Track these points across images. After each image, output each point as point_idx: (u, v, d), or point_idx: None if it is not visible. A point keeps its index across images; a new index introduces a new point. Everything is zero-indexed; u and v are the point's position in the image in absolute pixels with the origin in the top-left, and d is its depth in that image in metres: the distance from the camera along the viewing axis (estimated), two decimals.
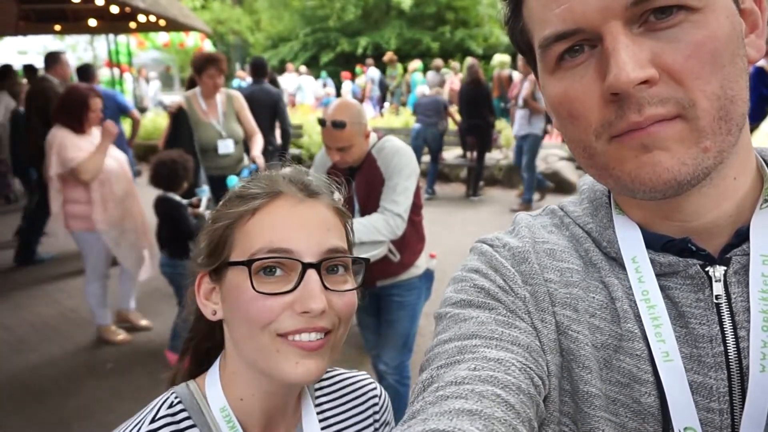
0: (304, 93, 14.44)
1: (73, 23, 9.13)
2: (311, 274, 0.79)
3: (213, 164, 4.23)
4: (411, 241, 2.74)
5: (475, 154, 8.49)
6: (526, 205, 7.64)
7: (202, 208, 3.63)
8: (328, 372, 1.00)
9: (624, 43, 0.52)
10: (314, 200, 0.87)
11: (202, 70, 4.11)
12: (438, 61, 13.10)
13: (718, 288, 0.60)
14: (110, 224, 3.91)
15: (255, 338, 0.79)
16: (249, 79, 6.38)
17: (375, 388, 1.02)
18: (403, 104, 14.11)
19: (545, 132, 7.62)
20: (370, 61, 16.40)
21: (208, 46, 13.50)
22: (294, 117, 10.17)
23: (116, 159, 4.01)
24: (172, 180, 3.46)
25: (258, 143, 4.37)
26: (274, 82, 6.65)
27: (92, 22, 8.88)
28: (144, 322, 4.43)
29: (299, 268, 0.79)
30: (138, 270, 4.18)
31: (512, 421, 0.52)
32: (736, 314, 0.59)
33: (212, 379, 0.88)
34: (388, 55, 13.68)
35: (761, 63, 11.59)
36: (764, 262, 0.58)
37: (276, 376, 0.80)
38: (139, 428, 0.80)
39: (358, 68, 16.86)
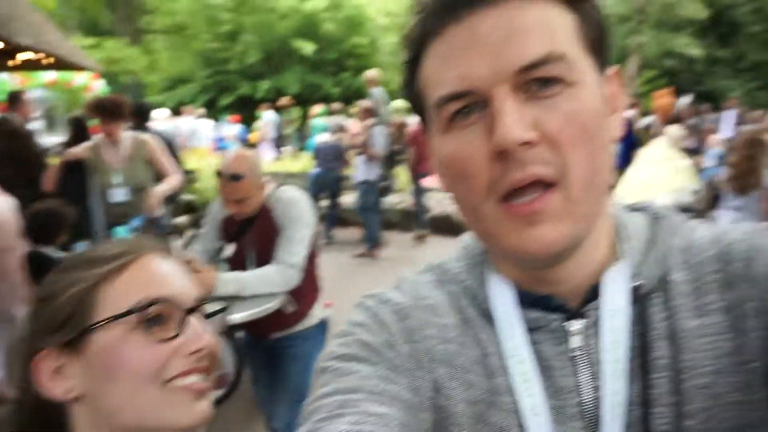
0: (201, 136, 14.11)
1: None
2: (193, 318, 0.84)
3: (111, 212, 4.04)
4: (306, 290, 2.74)
5: None
6: (370, 250, 7.89)
7: None
8: None
9: (510, 105, 0.58)
10: (150, 254, 0.90)
11: (98, 118, 3.95)
12: (336, 105, 13.34)
13: (576, 341, 0.65)
14: None
15: (141, 393, 0.77)
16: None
17: None
18: (302, 149, 14.19)
19: (383, 178, 7.83)
20: (265, 105, 16.46)
21: (98, 86, 12.92)
22: (189, 161, 9.92)
23: None
24: (44, 233, 3.23)
25: (167, 183, 4.15)
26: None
27: None
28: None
29: (180, 314, 0.83)
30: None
31: None
32: (593, 365, 0.64)
33: None
34: (285, 100, 13.79)
35: (629, 114, 12.89)
36: (614, 316, 0.65)
37: (170, 426, 0.79)
38: None
39: (257, 111, 16.82)
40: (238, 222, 2.74)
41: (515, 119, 0.57)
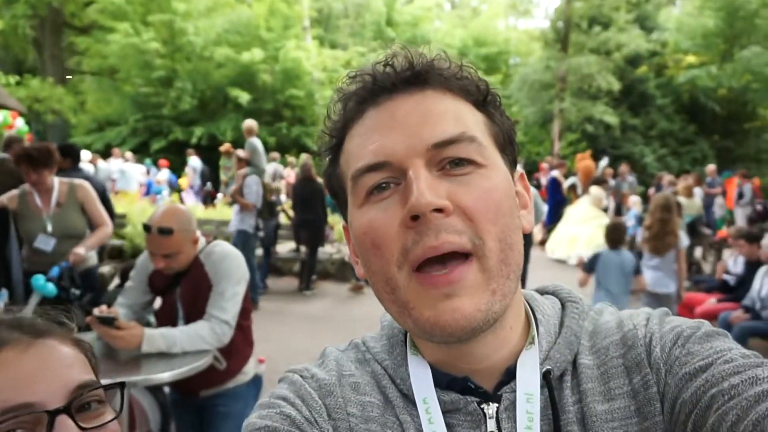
0: (128, 180, 13.68)
1: None
2: (62, 420, 0.72)
3: (36, 260, 3.80)
4: (239, 347, 2.66)
5: (307, 248, 8.62)
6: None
7: None
8: None
9: (424, 175, 0.61)
10: (45, 339, 0.80)
11: (25, 167, 3.75)
12: (274, 154, 13.33)
13: (491, 425, 0.66)
14: None
15: None
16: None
17: None
18: None
19: (257, 228, 7.72)
20: (191, 150, 16.23)
21: (19, 124, 12.33)
22: (118, 205, 9.55)
23: None
24: None
25: (95, 236, 3.96)
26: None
27: None
28: None
29: (46, 419, 0.72)
30: None
31: None
32: None
33: None
34: (225, 146, 13.65)
35: (555, 174, 13.54)
36: (528, 400, 0.66)
37: None
38: None
39: (187, 156, 16.53)
40: (166, 276, 2.64)
41: (429, 185, 0.60)
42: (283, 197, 9.31)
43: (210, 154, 16.83)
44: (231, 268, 2.58)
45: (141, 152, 19.69)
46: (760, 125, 22.67)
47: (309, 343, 5.92)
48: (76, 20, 24.14)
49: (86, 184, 4.12)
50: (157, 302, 2.82)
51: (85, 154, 13.00)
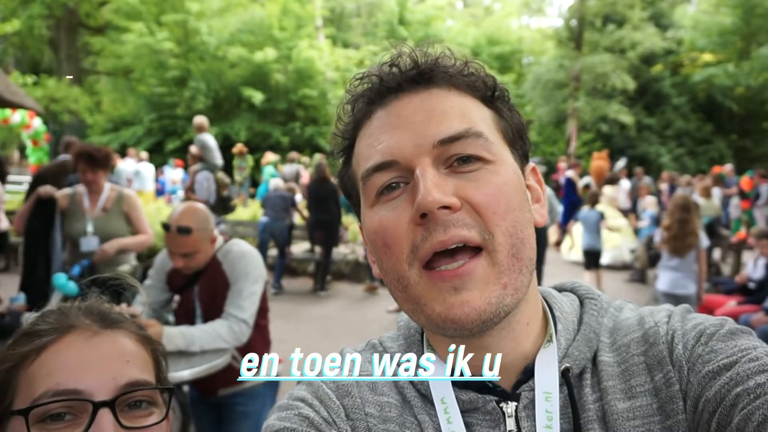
0: (143, 180, 13.79)
1: None
2: (104, 414, 0.73)
3: (76, 260, 3.87)
4: (256, 346, 2.66)
5: (322, 248, 8.64)
6: None
7: None
8: None
9: (431, 173, 0.62)
10: (112, 331, 0.81)
11: (82, 165, 3.84)
12: (293, 154, 13.38)
13: (510, 423, 0.66)
14: None
15: None
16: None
17: None
18: (252, 196, 14.05)
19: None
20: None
21: (36, 124, 12.48)
22: None
23: None
24: None
25: (133, 238, 4.03)
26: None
27: None
28: None
29: (90, 409, 0.73)
30: None
31: None
32: None
33: None
34: (238, 147, 13.72)
35: (570, 173, 13.44)
36: (547, 399, 0.65)
37: None
38: None
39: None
40: (185, 274, 2.65)
41: (436, 183, 0.61)
42: (298, 197, 9.31)
43: (224, 154, 16.86)
44: (248, 267, 2.58)
45: (156, 152, 19.85)
46: None
47: (325, 344, 5.92)
48: (91, 20, 24.43)
49: (134, 194, 4.25)
50: (175, 302, 2.83)
51: None
